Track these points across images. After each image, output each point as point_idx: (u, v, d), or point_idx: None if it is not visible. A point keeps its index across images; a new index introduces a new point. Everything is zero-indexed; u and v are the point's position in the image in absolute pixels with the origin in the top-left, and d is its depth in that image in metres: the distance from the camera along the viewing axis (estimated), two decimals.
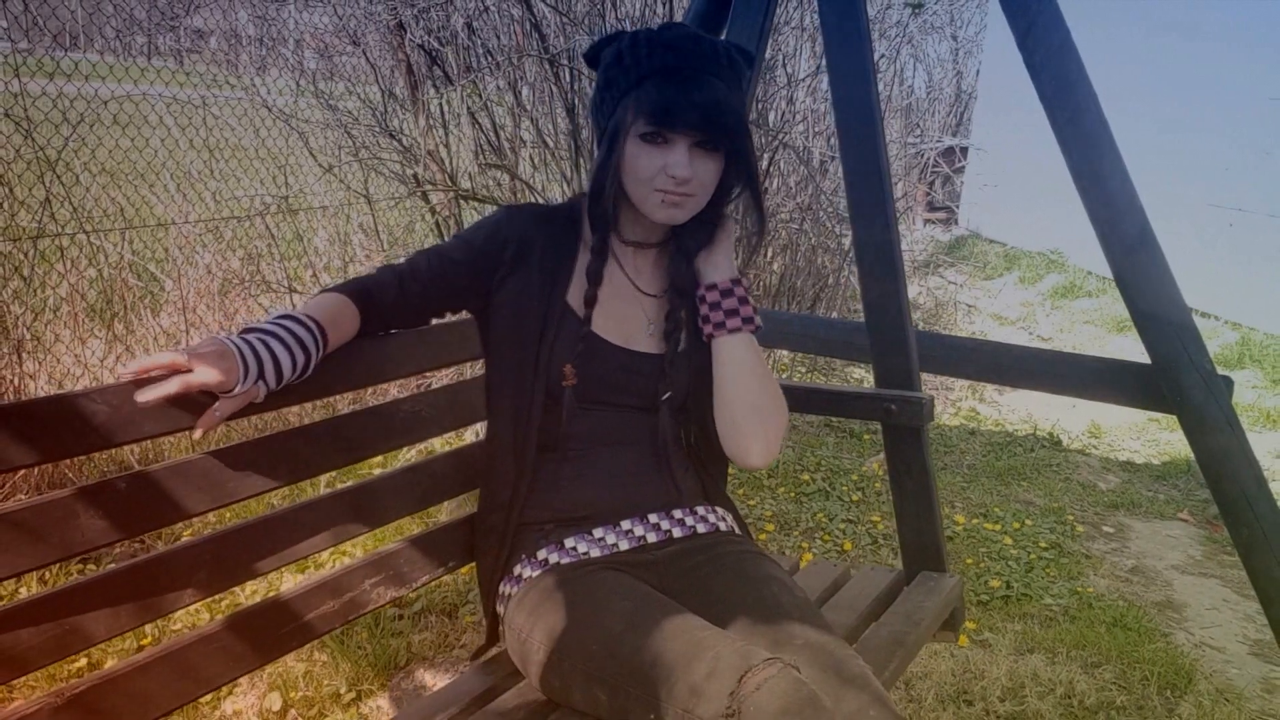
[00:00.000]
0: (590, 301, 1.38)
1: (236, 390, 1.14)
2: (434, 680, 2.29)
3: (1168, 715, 2.31)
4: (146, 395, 1.08)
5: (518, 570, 1.40)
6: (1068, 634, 2.64)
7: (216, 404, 1.15)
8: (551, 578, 1.34)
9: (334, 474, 2.77)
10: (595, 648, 1.23)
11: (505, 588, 1.42)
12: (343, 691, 2.21)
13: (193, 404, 1.15)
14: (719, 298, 1.41)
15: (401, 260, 1.41)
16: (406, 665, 2.34)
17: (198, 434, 1.15)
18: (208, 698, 2.14)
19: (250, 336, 1.18)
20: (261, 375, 1.16)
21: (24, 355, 3.16)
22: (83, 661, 2.20)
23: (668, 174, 1.28)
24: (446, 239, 1.45)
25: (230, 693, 2.18)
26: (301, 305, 1.29)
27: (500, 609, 1.44)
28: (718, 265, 1.42)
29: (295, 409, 3.19)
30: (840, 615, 1.71)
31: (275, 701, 2.14)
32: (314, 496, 1.37)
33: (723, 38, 2.15)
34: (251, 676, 2.22)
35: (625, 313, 1.43)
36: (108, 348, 3.57)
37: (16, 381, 3.11)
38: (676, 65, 1.26)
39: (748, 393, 1.40)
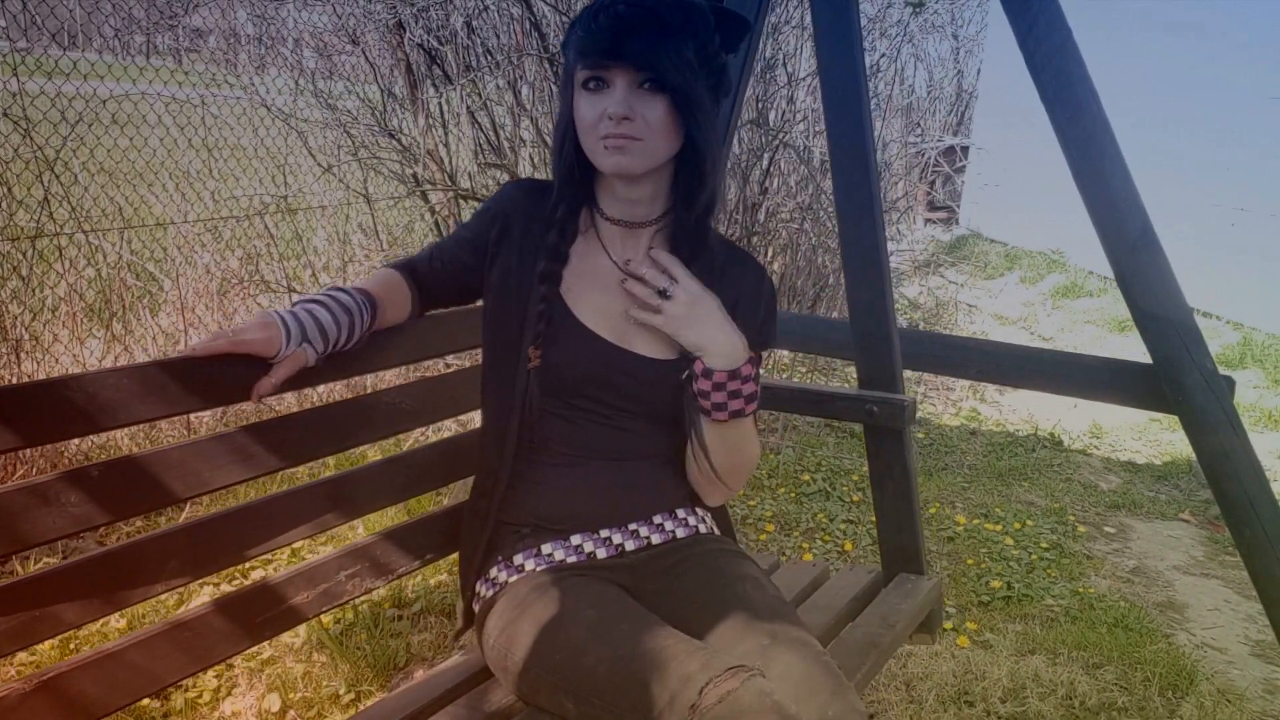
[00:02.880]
0: (545, 276, 1.32)
1: (281, 355, 1.21)
2: None
3: (1169, 716, 2.30)
4: (198, 349, 1.17)
5: (494, 573, 1.38)
6: (1069, 635, 2.63)
7: (270, 371, 1.21)
8: (524, 585, 1.33)
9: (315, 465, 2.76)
10: (559, 658, 1.22)
11: (482, 589, 1.41)
12: (341, 692, 2.20)
13: (202, 388, 1.19)
14: (710, 388, 1.29)
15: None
16: (405, 666, 2.33)
17: (253, 397, 1.21)
18: (206, 698, 2.14)
19: (295, 306, 1.25)
20: (306, 338, 1.23)
21: (22, 355, 3.16)
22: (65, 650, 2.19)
23: (607, 115, 1.22)
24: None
25: (229, 693, 2.18)
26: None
27: (475, 607, 1.43)
28: (715, 344, 1.29)
29: (290, 397, 3.19)
30: (816, 616, 1.71)
31: (274, 703, 2.14)
32: (293, 486, 1.36)
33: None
34: (250, 677, 2.21)
35: (617, 306, 1.35)
36: (106, 348, 3.56)
37: (15, 381, 3.11)
38: (610, 4, 1.22)
39: (724, 464, 1.37)
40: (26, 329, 3.25)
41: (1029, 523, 3.41)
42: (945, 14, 10.91)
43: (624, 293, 1.34)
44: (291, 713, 2.13)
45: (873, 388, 2.03)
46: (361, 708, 2.14)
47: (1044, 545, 3.23)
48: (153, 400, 1.14)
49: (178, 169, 4.86)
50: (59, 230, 3.57)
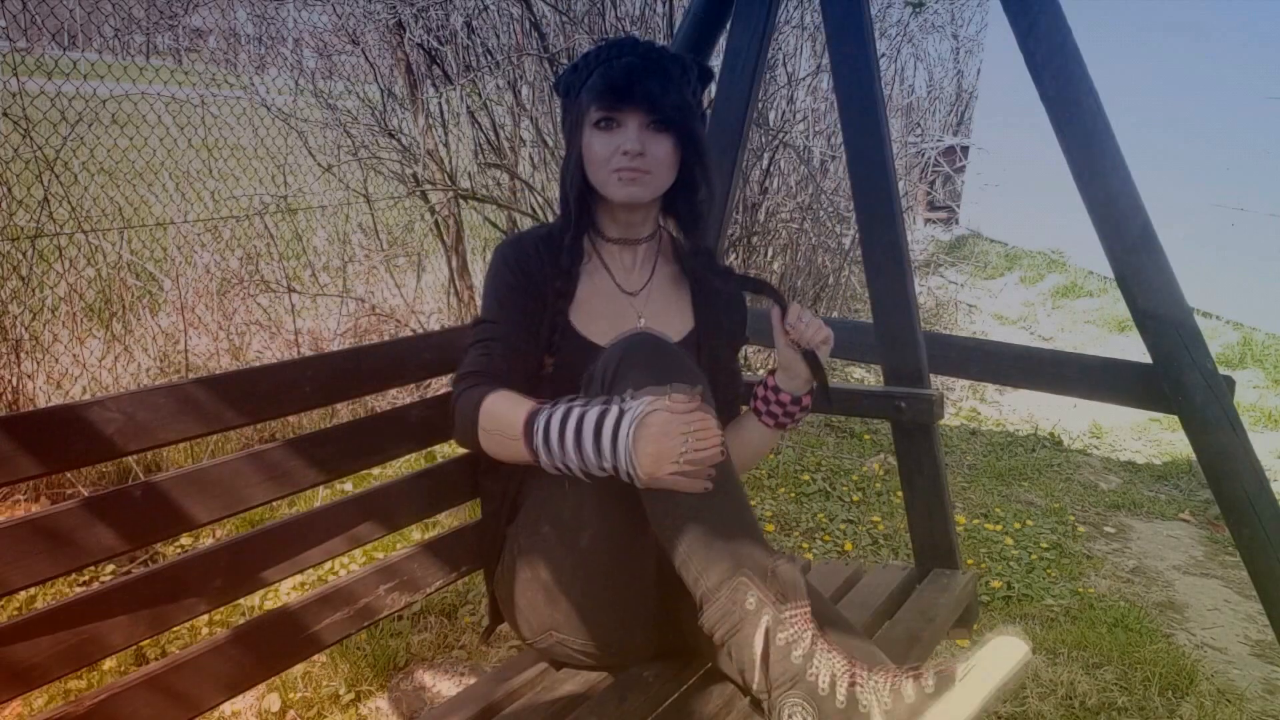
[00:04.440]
0: (560, 294, 1.44)
1: None
2: (433, 681, 2.28)
3: (1169, 716, 2.30)
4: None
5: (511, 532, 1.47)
6: (1069, 634, 2.63)
7: None
8: (536, 527, 1.41)
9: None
10: (554, 569, 1.35)
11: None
12: (342, 693, 2.20)
13: (236, 404, 1.21)
14: (795, 409, 1.51)
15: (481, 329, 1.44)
16: (406, 666, 2.33)
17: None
18: None
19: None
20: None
21: (22, 355, 3.16)
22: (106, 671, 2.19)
23: (621, 151, 1.38)
24: (481, 303, 1.49)
25: None
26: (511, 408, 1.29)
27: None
28: (806, 379, 1.50)
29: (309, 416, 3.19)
30: (854, 613, 1.71)
31: (274, 703, 2.14)
32: (325, 503, 1.36)
33: (722, 38, 2.19)
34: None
35: (619, 316, 1.48)
36: (106, 348, 3.56)
37: (15, 381, 3.10)
38: (619, 54, 1.40)
39: (747, 467, 1.59)
40: (26, 329, 3.25)
41: (1029, 523, 3.41)
42: (945, 14, 10.91)
43: (624, 306, 1.50)
44: (291, 713, 2.13)
45: (898, 383, 2.02)
46: (371, 717, 2.15)
47: (1044, 545, 3.23)
48: (188, 418, 1.15)
49: (178, 169, 4.87)
50: (59, 230, 3.57)
